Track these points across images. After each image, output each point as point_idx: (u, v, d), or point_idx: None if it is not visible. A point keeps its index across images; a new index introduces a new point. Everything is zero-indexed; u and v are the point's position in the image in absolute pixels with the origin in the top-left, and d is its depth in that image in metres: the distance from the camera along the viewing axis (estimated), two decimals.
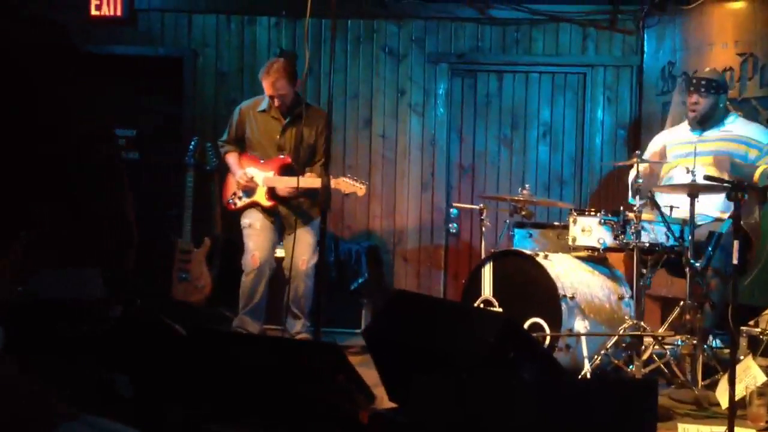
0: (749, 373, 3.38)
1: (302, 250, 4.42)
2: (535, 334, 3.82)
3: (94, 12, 5.73)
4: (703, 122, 4.35)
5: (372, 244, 5.49)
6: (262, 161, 4.51)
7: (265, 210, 4.52)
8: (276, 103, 4.45)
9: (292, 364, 2.61)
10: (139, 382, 2.76)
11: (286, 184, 4.38)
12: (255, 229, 4.50)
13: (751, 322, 3.90)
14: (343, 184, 4.35)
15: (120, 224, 2.75)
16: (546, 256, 4.02)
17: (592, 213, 4.02)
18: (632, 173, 4.46)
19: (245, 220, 4.54)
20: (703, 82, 4.29)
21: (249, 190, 4.51)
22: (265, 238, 4.50)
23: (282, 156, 4.48)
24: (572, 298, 3.87)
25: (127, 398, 2.54)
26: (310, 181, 4.26)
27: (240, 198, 4.54)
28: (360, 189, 4.35)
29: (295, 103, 4.48)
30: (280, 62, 4.46)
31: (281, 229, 4.57)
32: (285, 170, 4.44)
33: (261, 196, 4.48)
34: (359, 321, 5.07)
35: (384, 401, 2.99)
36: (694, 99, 4.33)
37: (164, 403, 2.55)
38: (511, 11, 5.68)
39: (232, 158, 4.61)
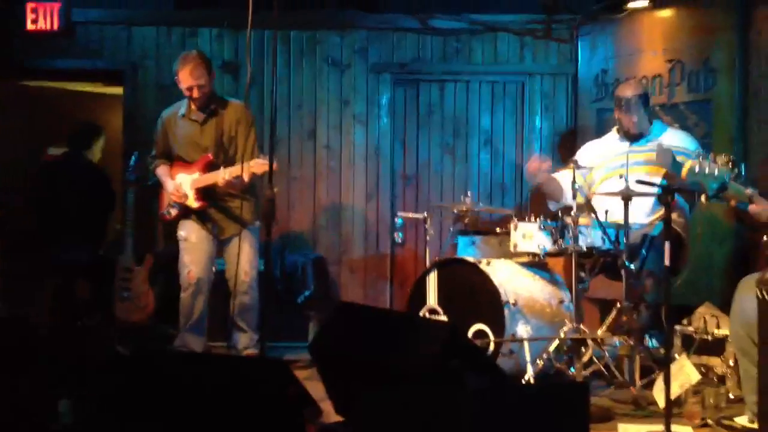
0: (683, 372, 3.50)
1: (244, 261, 4.36)
2: (479, 341, 3.90)
3: (30, 26, 5.63)
4: (640, 134, 4.47)
5: (318, 256, 5.51)
6: (189, 164, 4.48)
7: (198, 216, 4.45)
8: (195, 94, 4.37)
9: (236, 382, 2.63)
10: (80, 407, 2.74)
11: (212, 179, 4.30)
12: (190, 243, 4.46)
13: (684, 321, 4.05)
14: (256, 166, 4.12)
15: None
16: (489, 263, 4.10)
17: (532, 219, 4.11)
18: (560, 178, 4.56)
19: (181, 233, 4.49)
20: (641, 99, 4.36)
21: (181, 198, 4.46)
22: (202, 252, 4.45)
23: (204, 155, 4.44)
24: (515, 304, 3.96)
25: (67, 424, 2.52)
26: (232, 170, 4.21)
27: (173, 207, 4.49)
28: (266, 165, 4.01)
29: (212, 99, 4.45)
30: (195, 52, 4.51)
31: (219, 239, 4.49)
32: (210, 168, 4.37)
33: (190, 200, 4.42)
34: (307, 334, 5.07)
35: (331, 415, 3.02)
36: (633, 118, 4.36)
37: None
38: (452, 22, 5.77)
39: (161, 170, 4.56)
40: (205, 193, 4.40)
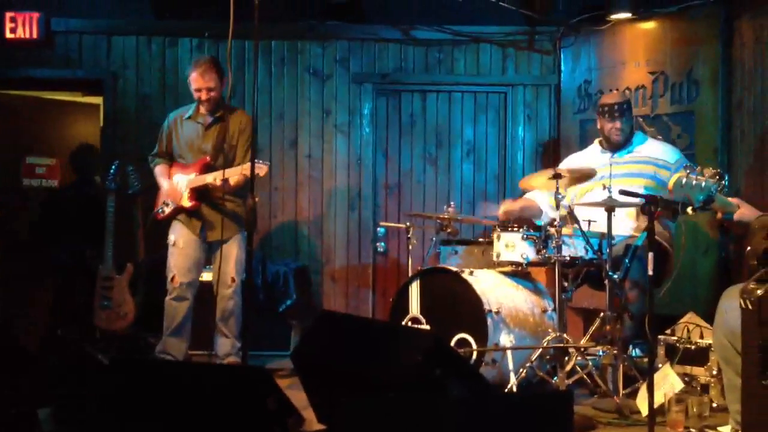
0: (667, 381, 3.51)
1: (229, 266, 4.38)
2: (462, 350, 3.88)
3: (8, 35, 5.58)
4: (623, 144, 4.49)
5: (300, 266, 5.48)
6: (187, 166, 4.51)
7: (189, 216, 4.46)
8: (203, 96, 4.43)
9: (218, 390, 2.58)
10: (61, 416, 2.69)
11: (203, 180, 4.35)
12: (178, 248, 4.45)
13: (668, 331, 4.05)
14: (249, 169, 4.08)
15: None
16: (471, 272, 4.08)
17: (515, 229, 4.11)
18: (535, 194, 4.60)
19: (170, 236, 4.50)
20: (625, 106, 4.41)
21: (175, 196, 4.48)
22: (188, 257, 4.44)
23: (203, 157, 4.47)
24: (497, 312, 3.94)
25: None
26: (225, 171, 4.22)
27: (167, 205, 4.51)
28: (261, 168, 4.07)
29: (220, 105, 4.50)
30: (208, 57, 4.64)
31: (208, 242, 4.47)
32: (206, 170, 4.40)
33: (184, 199, 4.44)
34: (289, 343, 5.04)
35: (313, 423, 2.99)
36: (618, 125, 4.40)
37: None
38: (434, 32, 5.78)
39: (159, 169, 4.60)
40: (199, 194, 4.42)
